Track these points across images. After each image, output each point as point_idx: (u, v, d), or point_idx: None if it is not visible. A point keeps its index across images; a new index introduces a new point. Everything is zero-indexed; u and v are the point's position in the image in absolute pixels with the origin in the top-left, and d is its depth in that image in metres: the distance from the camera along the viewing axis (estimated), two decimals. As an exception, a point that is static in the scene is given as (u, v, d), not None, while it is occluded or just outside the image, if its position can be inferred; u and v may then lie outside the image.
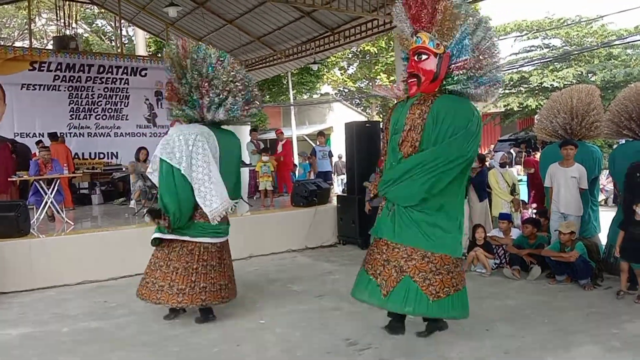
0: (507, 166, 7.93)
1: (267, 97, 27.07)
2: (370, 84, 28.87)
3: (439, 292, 3.83)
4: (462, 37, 3.87)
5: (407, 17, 4.08)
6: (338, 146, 18.29)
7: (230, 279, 4.97)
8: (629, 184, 5.58)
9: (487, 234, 6.82)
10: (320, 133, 12.20)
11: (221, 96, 4.78)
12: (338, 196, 9.21)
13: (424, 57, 3.96)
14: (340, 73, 29.89)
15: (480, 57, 3.92)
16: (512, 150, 15.31)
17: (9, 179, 8.46)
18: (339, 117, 23.91)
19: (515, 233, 6.80)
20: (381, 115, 29.56)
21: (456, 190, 4.01)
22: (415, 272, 3.83)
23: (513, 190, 7.57)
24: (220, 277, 4.82)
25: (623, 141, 6.97)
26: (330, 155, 11.81)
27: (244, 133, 16.08)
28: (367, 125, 9.17)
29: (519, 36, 21.73)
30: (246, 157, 12.24)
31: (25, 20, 21.49)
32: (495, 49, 4.01)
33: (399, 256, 3.90)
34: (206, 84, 4.70)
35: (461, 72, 3.90)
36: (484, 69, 3.95)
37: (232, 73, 4.87)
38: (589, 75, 18.46)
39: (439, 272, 3.85)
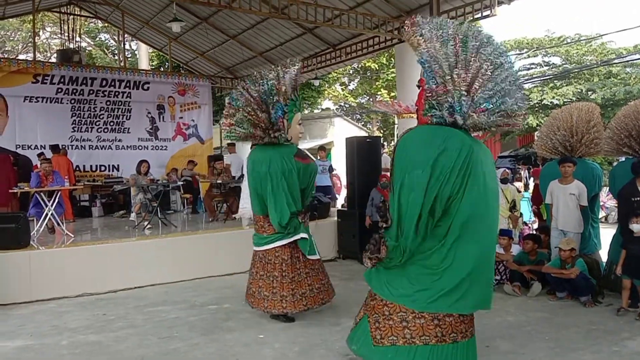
0: (508, 182, 7.93)
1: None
2: (371, 99, 29.01)
3: (383, 339, 3.47)
4: (422, 65, 3.47)
5: None
6: (339, 161, 18.31)
7: (270, 290, 5.17)
8: (623, 204, 5.61)
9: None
10: (321, 147, 12.26)
11: None
12: (338, 210, 9.21)
13: (420, 89, 3.67)
14: (342, 88, 30.05)
15: (446, 82, 3.36)
16: (519, 166, 15.29)
17: (10, 191, 8.47)
18: (340, 132, 23.95)
19: (515, 249, 6.79)
20: (382, 131, 29.66)
21: (440, 236, 3.35)
22: (371, 313, 3.59)
23: (513, 207, 7.57)
24: (264, 286, 5.19)
25: (623, 158, 6.99)
26: (331, 169, 11.84)
27: (244, 147, 16.15)
28: (368, 140, 9.21)
29: (519, 54, 21.88)
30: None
31: (29, 34, 21.68)
32: (474, 66, 3.34)
33: (370, 294, 3.74)
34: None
35: (424, 101, 3.52)
36: (452, 94, 3.34)
37: None
38: (589, 93, 18.55)
39: (390, 317, 3.47)
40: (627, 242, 5.39)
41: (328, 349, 4.50)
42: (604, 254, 6.66)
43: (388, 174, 8.84)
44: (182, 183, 11.40)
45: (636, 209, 5.36)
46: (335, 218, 8.90)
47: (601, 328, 4.91)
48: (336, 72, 25.52)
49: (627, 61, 18.94)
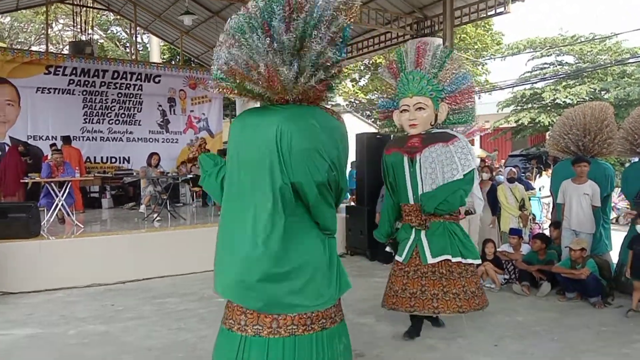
0: (515, 181, 7.87)
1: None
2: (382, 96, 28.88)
3: None
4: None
5: None
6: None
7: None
8: (637, 203, 5.56)
9: (497, 249, 6.77)
10: (331, 143, 12.21)
11: None
12: (347, 207, 9.19)
13: None
14: (352, 85, 29.97)
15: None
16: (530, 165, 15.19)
17: (21, 181, 8.52)
18: (350, 128, 23.71)
19: (525, 249, 6.75)
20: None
21: None
22: None
23: (522, 206, 7.52)
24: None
25: (636, 159, 6.92)
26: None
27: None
28: (377, 136, 9.15)
29: (532, 52, 21.72)
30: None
31: (42, 26, 21.77)
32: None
33: None
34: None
35: None
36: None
37: None
38: (603, 92, 18.39)
39: None
40: (634, 242, 5.34)
41: (335, 345, 4.49)
42: (614, 255, 6.59)
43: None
44: (191, 176, 11.42)
45: None
46: (344, 214, 8.88)
47: (611, 329, 4.87)
48: (347, 68, 25.46)
49: (642, 61, 18.75)
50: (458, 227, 4.51)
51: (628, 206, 8.64)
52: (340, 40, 2.85)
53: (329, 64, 2.80)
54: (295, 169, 2.74)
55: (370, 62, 26.87)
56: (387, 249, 4.99)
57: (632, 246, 5.39)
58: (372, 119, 30.14)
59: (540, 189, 10.71)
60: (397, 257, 4.58)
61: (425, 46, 4.56)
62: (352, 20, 2.86)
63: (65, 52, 17.49)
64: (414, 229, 4.48)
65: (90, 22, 16.56)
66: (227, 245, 2.93)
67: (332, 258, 2.98)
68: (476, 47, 24.44)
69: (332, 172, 2.85)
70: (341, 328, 3.05)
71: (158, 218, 8.73)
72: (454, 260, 4.33)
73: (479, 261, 4.61)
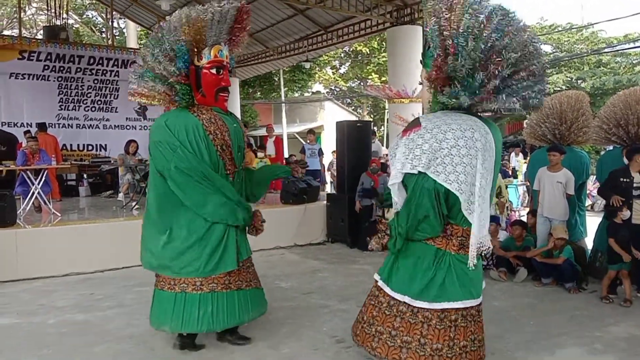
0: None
1: (258, 93, 27.03)
2: (362, 83, 28.94)
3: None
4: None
5: None
6: (328, 145, 18.31)
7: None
8: (611, 182, 5.64)
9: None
10: (310, 131, 12.20)
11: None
12: (328, 194, 9.22)
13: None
14: (332, 72, 29.91)
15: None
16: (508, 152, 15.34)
17: (-5, 169, 8.34)
18: (330, 116, 23.94)
19: (502, 235, 6.85)
20: (372, 115, 29.66)
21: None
22: None
23: (499, 193, 7.63)
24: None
25: (611, 147, 7.06)
26: (320, 153, 11.82)
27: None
28: (358, 124, 9.19)
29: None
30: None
31: (14, 9, 21.24)
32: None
33: None
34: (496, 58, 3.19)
35: None
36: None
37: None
38: (579, 81, 18.67)
39: None
40: (615, 229, 5.40)
41: (316, 331, 4.54)
42: (589, 242, 6.74)
43: (378, 159, 8.88)
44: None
45: (624, 189, 5.44)
46: (325, 202, 8.91)
47: (585, 314, 4.99)
48: (327, 55, 25.39)
49: (617, 50, 19.08)
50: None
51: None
52: (175, 55, 3.76)
53: (167, 75, 3.84)
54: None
55: (350, 49, 26.82)
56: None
57: (612, 234, 5.42)
58: (353, 107, 30.15)
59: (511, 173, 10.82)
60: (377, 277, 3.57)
61: None
62: (190, 36, 3.74)
63: (39, 36, 17.12)
64: None
65: (65, 6, 16.18)
66: None
67: (205, 237, 3.87)
68: (456, 35, 24.50)
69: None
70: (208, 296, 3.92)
71: (137, 206, 8.64)
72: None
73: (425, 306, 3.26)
